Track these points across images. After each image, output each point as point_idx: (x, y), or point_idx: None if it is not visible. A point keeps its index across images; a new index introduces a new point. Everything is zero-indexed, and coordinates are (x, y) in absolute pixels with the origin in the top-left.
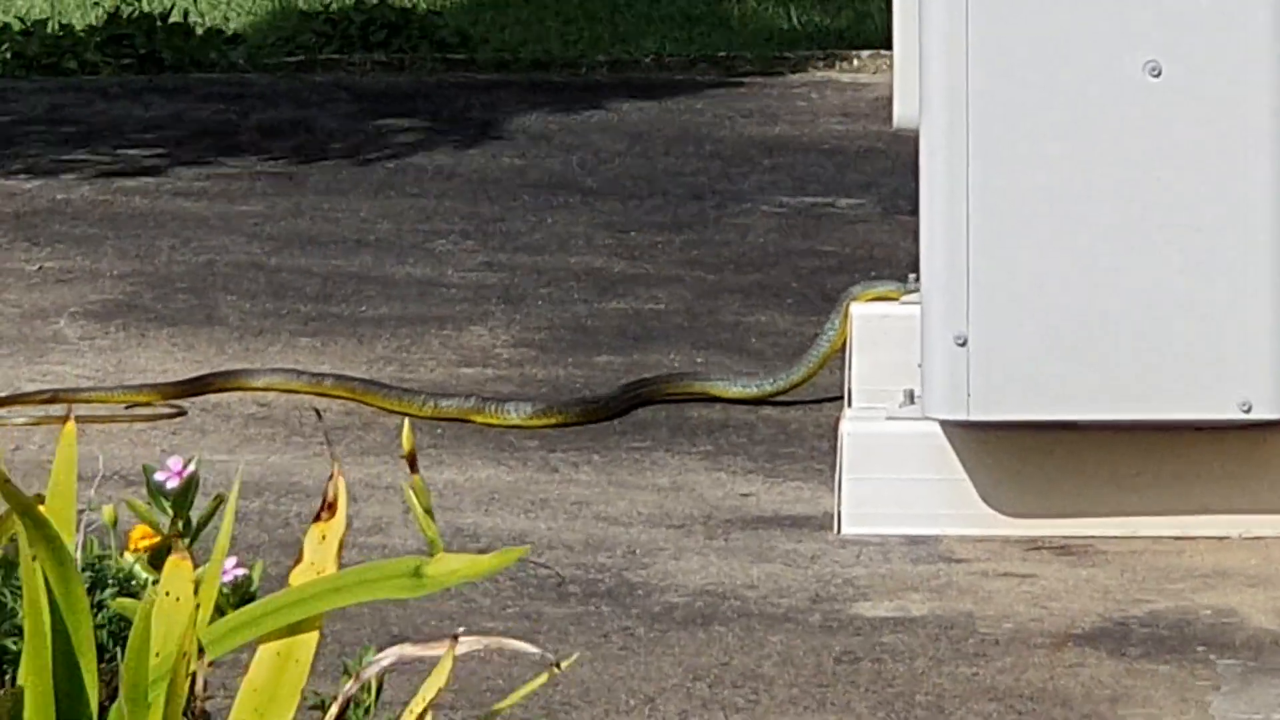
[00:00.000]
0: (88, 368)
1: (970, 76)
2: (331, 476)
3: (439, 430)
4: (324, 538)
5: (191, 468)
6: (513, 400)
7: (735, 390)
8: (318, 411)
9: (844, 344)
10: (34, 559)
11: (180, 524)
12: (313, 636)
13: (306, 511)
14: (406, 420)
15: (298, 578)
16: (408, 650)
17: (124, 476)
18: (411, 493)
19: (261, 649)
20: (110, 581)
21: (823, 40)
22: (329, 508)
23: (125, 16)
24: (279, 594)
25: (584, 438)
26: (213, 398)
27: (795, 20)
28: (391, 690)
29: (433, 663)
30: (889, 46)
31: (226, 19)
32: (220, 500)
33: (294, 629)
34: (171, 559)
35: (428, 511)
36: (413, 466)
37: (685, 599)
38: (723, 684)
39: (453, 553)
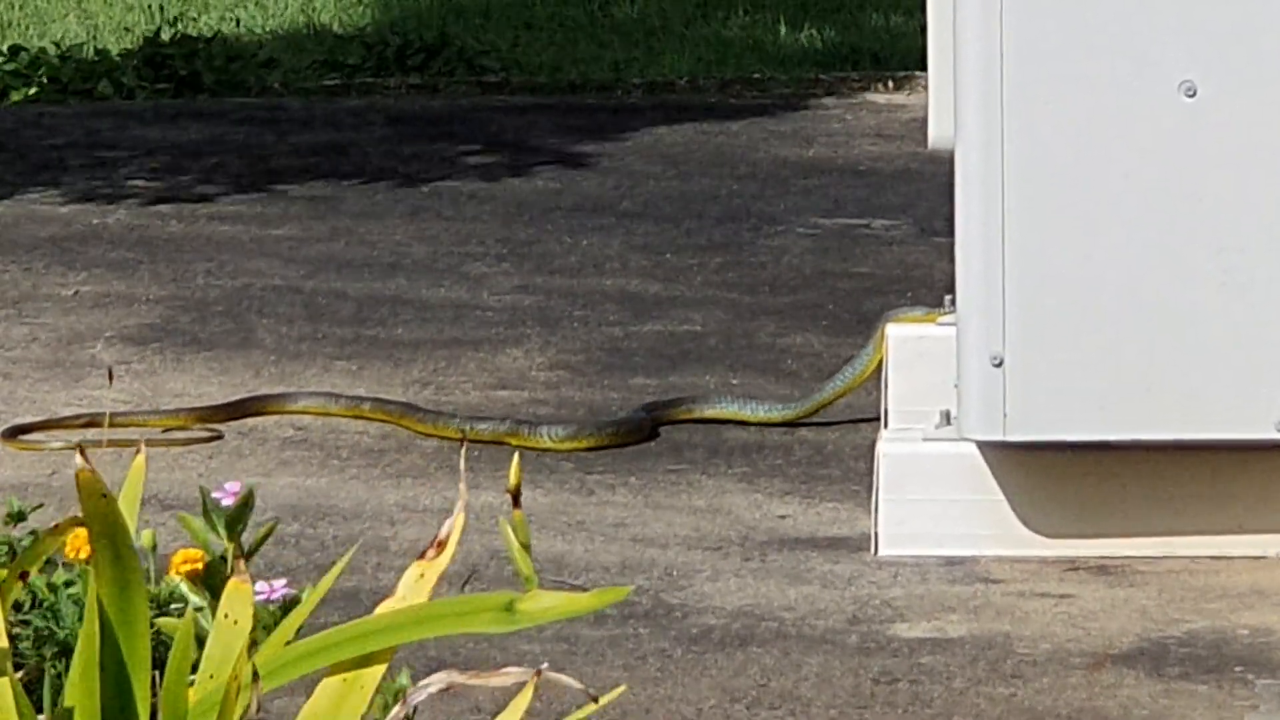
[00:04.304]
0: (124, 392)
1: (1005, 97)
2: (455, 513)
3: (475, 453)
4: (422, 575)
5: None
6: (546, 423)
7: (759, 415)
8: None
9: (870, 375)
10: (90, 567)
11: (234, 546)
12: (381, 665)
13: (344, 535)
14: (516, 455)
15: (384, 610)
16: (456, 677)
17: (161, 500)
18: (509, 527)
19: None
20: (151, 604)
21: (857, 61)
22: (438, 545)
23: (168, 39)
24: (364, 620)
25: (620, 460)
26: (249, 421)
27: (829, 42)
28: (429, 713)
29: (482, 690)
30: (924, 67)
31: (261, 44)
32: (276, 524)
33: (367, 658)
34: (232, 581)
35: (525, 547)
36: (515, 501)
37: (722, 620)
38: (760, 705)
39: (547, 589)
